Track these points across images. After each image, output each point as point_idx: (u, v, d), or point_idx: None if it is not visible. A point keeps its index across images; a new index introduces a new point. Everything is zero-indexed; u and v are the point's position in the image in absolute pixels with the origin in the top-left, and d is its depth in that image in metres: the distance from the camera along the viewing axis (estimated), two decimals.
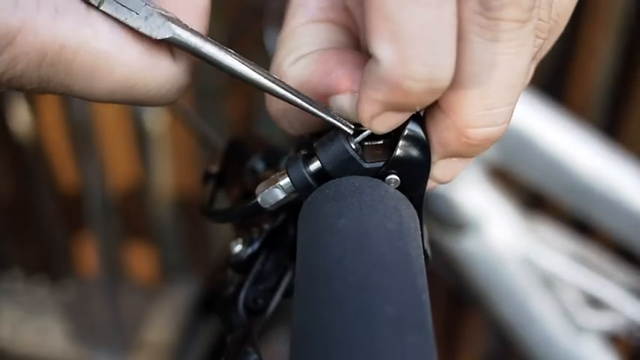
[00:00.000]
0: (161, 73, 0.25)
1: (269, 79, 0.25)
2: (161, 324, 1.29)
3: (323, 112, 0.25)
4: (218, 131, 0.95)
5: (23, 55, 0.22)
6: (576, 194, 0.60)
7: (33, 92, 0.24)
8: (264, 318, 0.28)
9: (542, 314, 0.61)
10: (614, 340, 0.64)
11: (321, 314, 0.20)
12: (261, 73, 0.25)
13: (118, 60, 0.24)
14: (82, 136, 1.18)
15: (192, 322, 0.74)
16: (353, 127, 0.25)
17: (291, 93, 0.25)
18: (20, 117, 1.20)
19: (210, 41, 0.24)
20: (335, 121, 0.25)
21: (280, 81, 0.25)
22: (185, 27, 0.24)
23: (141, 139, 1.20)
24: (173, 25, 0.24)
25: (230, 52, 0.25)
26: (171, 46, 0.25)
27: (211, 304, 0.72)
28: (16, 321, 1.32)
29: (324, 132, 0.26)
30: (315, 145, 0.25)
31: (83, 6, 0.23)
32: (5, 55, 0.22)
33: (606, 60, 0.96)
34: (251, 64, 0.25)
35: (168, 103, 0.26)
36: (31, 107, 1.19)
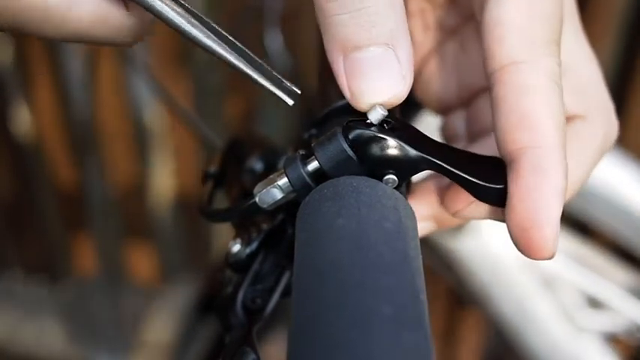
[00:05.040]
0: (114, 25, 0.24)
1: (219, 45, 0.25)
2: (161, 324, 1.29)
3: (267, 81, 0.25)
4: (218, 131, 0.95)
5: None
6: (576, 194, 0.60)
7: None
8: (262, 318, 0.28)
9: (542, 314, 0.61)
10: (614, 340, 0.64)
11: (318, 314, 0.20)
12: (210, 36, 0.24)
13: (69, 15, 0.23)
14: (82, 136, 1.18)
15: (192, 322, 0.74)
16: (297, 92, 0.25)
17: (237, 59, 0.25)
18: (20, 117, 1.20)
19: None
20: (278, 92, 0.25)
21: (231, 46, 0.25)
22: None
23: (141, 139, 1.20)
24: None
25: (184, 10, 0.24)
26: None
27: (211, 304, 0.72)
28: (15, 321, 1.32)
29: (323, 132, 0.26)
30: (313, 145, 0.25)
31: None
32: None
33: (606, 60, 0.96)
34: (201, 25, 0.24)
35: (128, 46, 0.26)
36: (31, 107, 1.19)
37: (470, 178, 0.25)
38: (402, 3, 0.24)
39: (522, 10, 0.25)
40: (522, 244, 0.24)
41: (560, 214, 0.24)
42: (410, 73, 0.25)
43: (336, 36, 0.24)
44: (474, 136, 0.31)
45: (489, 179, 0.25)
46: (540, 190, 0.24)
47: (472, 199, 0.26)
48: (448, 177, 0.25)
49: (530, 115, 0.24)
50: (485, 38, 0.26)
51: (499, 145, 0.25)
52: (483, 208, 0.27)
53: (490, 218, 0.28)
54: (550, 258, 0.25)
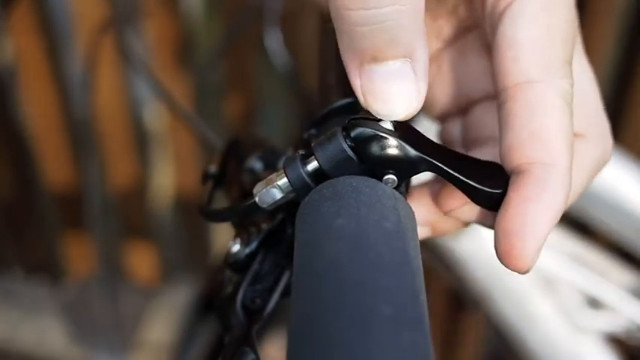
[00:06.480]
0: None
1: None
2: (161, 324, 1.29)
3: None
4: (218, 131, 0.95)
5: None
6: None
7: None
8: (262, 318, 0.28)
9: (541, 314, 0.61)
10: (614, 340, 0.64)
11: (318, 314, 0.20)
12: None
13: None
14: (82, 135, 1.18)
15: (192, 322, 0.74)
16: None
17: None
18: (20, 117, 1.20)
19: None
20: None
21: None
22: None
23: (141, 139, 1.20)
24: None
25: None
26: None
27: (211, 304, 0.72)
28: (15, 321, 1.32)
29: (323, 132, 0.26)
30: (312, 145, 0.25)
31: None
32: None
33: (606, 60, 0.96)
34: None
35: None
36: (31, 107, 1.19)
37: (469, 182, 0.25)
38: (423, 15, 0.24)
39: (538, 31, 0.26)
40: (502, 249, 0.25)
41: (547, 235, 0.24)
42: (425, 86, 0.25)
43: (354, 46, 0.24)
44: (468, 144, 0.32)
45: (488, 184, 0.25)
46: (538, 203, 0.24)
47: (467, 199, 0.26)
48: (447, 179, 0.25)
49: (543, 133, 0.25)
50: (499, 56, 0.26)
51: (505, 157, 0.26)
52: (476, 211, 0.28)
53: (480, 222, 0.29)
54: (525, 272, 0.25)
